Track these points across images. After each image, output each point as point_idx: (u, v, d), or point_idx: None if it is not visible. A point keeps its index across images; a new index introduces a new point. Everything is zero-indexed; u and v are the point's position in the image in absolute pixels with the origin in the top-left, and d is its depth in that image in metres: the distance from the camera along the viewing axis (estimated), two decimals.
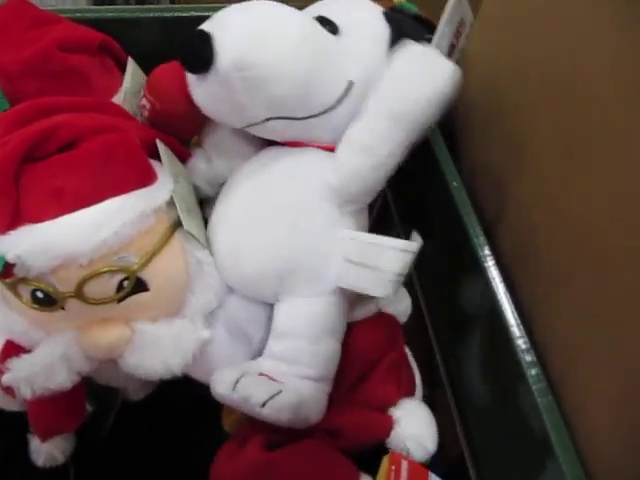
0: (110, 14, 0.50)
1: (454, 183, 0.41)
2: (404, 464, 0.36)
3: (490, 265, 0.37)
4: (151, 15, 0.51)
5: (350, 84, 0.37)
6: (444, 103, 0.35)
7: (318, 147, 0.39)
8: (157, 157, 0.38)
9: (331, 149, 0.38)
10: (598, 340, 0.31)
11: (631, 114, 0.29)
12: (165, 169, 0.37)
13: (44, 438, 0.40)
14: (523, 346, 0.33)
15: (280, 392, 0.34)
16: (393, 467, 0.36)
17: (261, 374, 0.36)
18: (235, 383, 0.34)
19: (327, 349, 0.37)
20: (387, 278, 0.35)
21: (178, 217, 0.37)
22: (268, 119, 0.36)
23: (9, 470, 0.43)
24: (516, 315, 0.35)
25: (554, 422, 0.31)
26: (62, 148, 0.33)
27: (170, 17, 0.52)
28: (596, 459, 0.31)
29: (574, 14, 0.34)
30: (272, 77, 0.34)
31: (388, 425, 0.39)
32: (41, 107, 0.35)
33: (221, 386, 0.34)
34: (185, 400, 0.44)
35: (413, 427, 0.38)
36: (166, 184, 0.36)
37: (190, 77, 0.36)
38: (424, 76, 0.35)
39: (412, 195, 0.50)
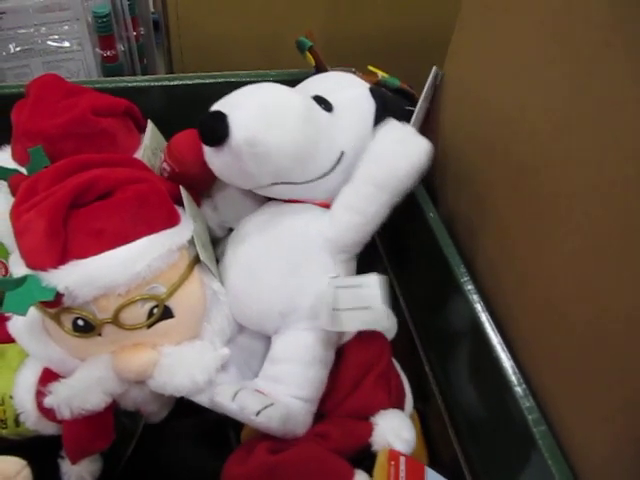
0: (124, 84, 0.56)
1: (431, 214, 0.46)
2: (402, 459, 0.39)
3: (466, 280, 0.41)
4: (158, 84, 0.58)
5: (342, 154, 0.42)
6: (420, 173, 0.41)
7: (314, 204, 0.43)
8: (177, 203, 0.42)
9: (325, 205, 0.43)
10: (560, 340, 0.37)
11: (565, 152, 0.35)
12: (187, 211, 0.41)
13: (75, 460, 0.42)
14: (498, 346, 0.38)
15: (272, 404, 0.38)
16: (392, 463, 0.38)
17: (256, 390, 0.39)
18: (234, 395, 0.37)
19: (316, 375, 0.41)
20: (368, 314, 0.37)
21: (197, 254, 0.41)
22: (273, 184, 0.41)
23: None
24: (491, 321, 0.39)
25: (530, 408, 0.35)
26: (101, 196, 0.37)
27: (174, 85, 0.58)
28: (573, 444, 0.35)
29: (524, 72, 0.40)
30: (277, 153, 0.38)
31: (369, 427, 0.42)
32: (79, 163, 0.39)
33: (222, 396, 0.38)
34: (201, 423, 0.48)
35: (388, 422, 0.41)
36: (188, 225, 0.41)
37: (207, 148, 0.40)
38: (404, 155, 0.41)
39: (395, 228, 0.56)
